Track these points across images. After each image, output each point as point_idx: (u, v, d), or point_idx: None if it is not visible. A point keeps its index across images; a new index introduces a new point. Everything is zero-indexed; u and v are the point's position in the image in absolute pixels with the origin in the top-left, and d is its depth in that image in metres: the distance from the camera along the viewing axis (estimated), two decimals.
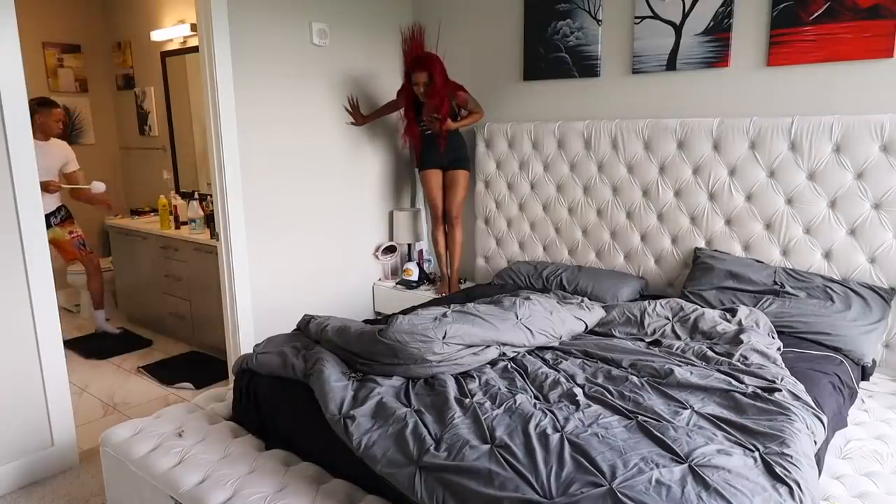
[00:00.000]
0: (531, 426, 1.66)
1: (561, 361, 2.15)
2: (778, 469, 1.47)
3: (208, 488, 1.75)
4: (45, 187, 3.70)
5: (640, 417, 1.71)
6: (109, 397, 3.36)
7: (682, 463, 1.49)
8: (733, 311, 2.46)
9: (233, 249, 3.14)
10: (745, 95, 2.84)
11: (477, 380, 1.98)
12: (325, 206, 3.60)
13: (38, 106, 3.79)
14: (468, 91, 3.39)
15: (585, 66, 3.27)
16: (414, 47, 3.81)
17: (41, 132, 3.76)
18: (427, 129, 3.44)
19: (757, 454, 1.54)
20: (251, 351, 2.24)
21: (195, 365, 3.76)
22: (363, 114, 3.61)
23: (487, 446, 1.60)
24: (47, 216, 3.81)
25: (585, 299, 2.73)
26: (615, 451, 1.54)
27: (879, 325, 2.43)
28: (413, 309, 2.50)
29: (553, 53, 3.37)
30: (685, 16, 2.92)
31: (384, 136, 3.88)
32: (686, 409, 1.76)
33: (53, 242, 3.88)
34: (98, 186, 3.92)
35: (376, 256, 3.96)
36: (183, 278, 3.97)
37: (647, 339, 2.38)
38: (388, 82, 3.84)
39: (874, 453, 1.90)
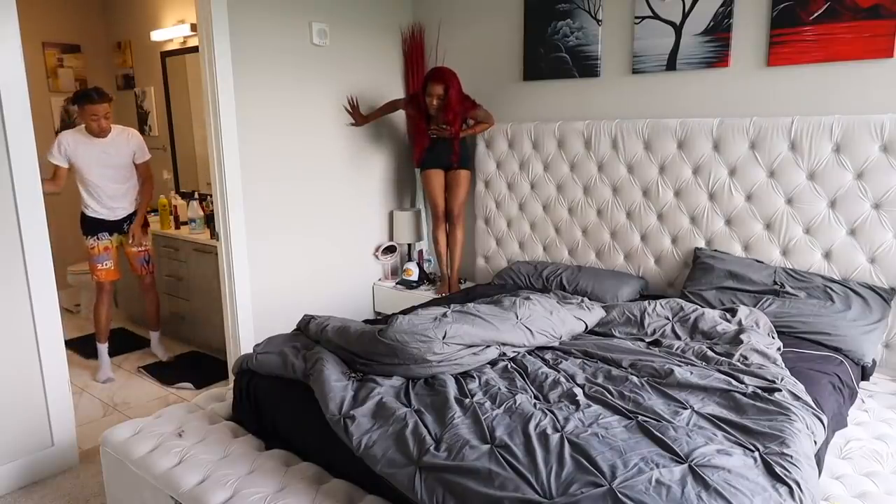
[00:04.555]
0: (531, 426, 1.66)
1: (561, 361, 2.15)
2: (778, 469, 1.47)
3: (208, 488, 1.75)
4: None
5: (640, 417, 1.71)
6: (109, 397, 3.36)
7: (682, 463, 1.49)
8: (733, 311, 2.46)
9: (233, 249, 3.14)
10: (745, 95, 2.84)
11: (477, 380, 1.98)
12: (325, 206, 3.60)
13: (73, 103, 3.43)
14: (480, 105, 3.42)
15: (585, 66, 3.27)
16: (414, 48, 3.82)
17: (88, 130, 3.43)
18: (434, 135, 3.44)
19: (757, 454, 1.54)
20: (251, 351, 2.24)
21: (195, 365, 3.76)
22: (363, 114, 3.61)
23: (487, 446, 1.60)
24: (120, 221, 3.58)
25: (585, 299, 2.73)
26: (615, 451, 1.54)
27: (879, 325, 2.43)
28: (413, 309, 2.50)
29: (553, 53, 3.37)
30: (685, 16, 2.92)
31: (384, 136, 3.88)
32: (686, 409, 1.77)
33: (125, 251, 3.65)
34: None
35: (376, 256, 3.96)
36: (183, 278, 3.96)
37: (647, 339, 2.38)
38: (388, 82, 3.84)
39: (874, 453, 1.90)
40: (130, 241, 3.58)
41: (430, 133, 3.43)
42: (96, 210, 3.51)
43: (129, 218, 3.61)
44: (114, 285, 3.68)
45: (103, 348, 3.66)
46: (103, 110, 3.36)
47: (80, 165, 3.40)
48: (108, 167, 3.47)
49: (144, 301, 3.84)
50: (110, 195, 3.51)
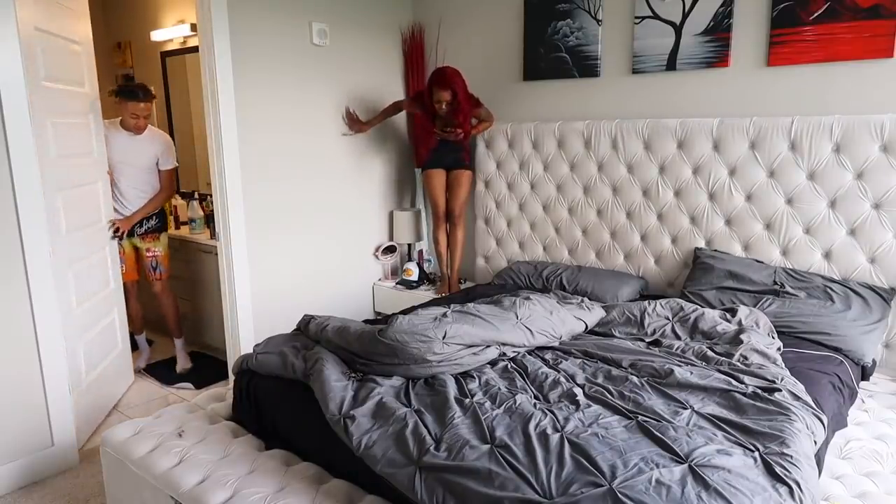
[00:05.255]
0: (531, 426, 1.66)
1: (561, 361, 2.15)
2: (778, 469, 1.47)
3: (208, 488, 1.75)
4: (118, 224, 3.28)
5: (640, 417, 1.71)
6: None
7: (682, 463, 1.49)
8: (733, 311, 2.46)
9: (233, 249, 3.14)
10: (745, 95, 2.84)
11: (477, 380, 1.98)
12: (325, 206, 3.60)
13: (116, 95, 3.28)
14: (482, 104, 3.42)
15: (585, 66, 3.27)
16: (414, 47, 3.81)
17: (123, 125, 3.32)
18: (440, 137, 3.43)
19: (757, 454, 1.54)
20: (251, 351, 2.24)
21: (195, 365, 3.75)
22: (363, 120, 3.59)
23: (487, 446, 1.60)
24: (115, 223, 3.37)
25: (585, 299, 2.73)
26: (615, 451, 1.54)
27: (879, 325, 2.43)
28: (413, 309, 2.50)
29: (553, 53, 3.37)
30: (685, 16, 2.92)
31: (385, 136, 3.88)
32: (686, 409, 1.76)
33: (131, 253, 3.52)
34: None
35: (376, 256, 3.96)
36: (183, 278, 3.96)
37: (647, 339, 2.38)
38: (388, 82, 3.84)
39: (874, 453, 1.90)
40: (110, 226, 3.24)
41: (438, 136, 3.41)
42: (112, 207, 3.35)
43: (142, 222, 3.48)
44: (136, 284, 3.62)
45: (141, 338, 3.78)
46: (145, 110, 3.29)
47: (107, 157, 3.29)
48: (128, 164, 3.36)
49: (159, 306, 3.68)
50: (126, 195, 3.39)
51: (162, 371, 3.66)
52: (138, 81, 3.39)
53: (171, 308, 3.68)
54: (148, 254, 3.55)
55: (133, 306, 3.66)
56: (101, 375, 3.04)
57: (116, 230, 3.28)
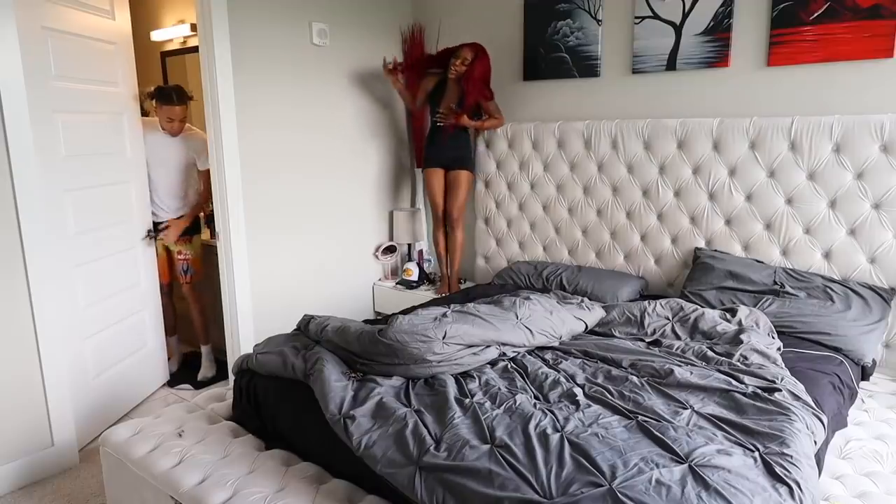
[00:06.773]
0: (531, 426, 1.66)
1: (561, 361, 2.15)
2: (778, 469, 1.47)
3: (208, 488, 1.75)
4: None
5: (640, 417, 1.71)
6: None
7: (682, 463, 1.49)
8: (733, 311, 2.46)
9: (233, 249, 3.14)
10: (745, 95, 2.84)
11: (477, 380, 1.98)
12: (325, 206, 3.59)
13: (151, 98, 3.22)
14: (493, 99, 3.41)
15: (585, 66, 3.27)
16: (414, 47, 3.81)
17: (160, 125, 3.28)
18: (439, 122, 3.42)
19: (757, 454, 1.54)
20: (251, 351, 2.24)
21: (195, 365, 3.75)
22: (402, 80, 3.53)
23: (487, 446, 1.60)
24: (163, 225, 3.39)
25: (585, 299, 2.73)
26: (615, 451, 1.54)
27: (879, 325, 2.43)
28: (413, 309, 2.50)
29: (553, 53, 3.37)
30: (685, 16, 2.92)
31: (384, 136, 3.88)
32: (686, 409, 1.77)
33: (163, 254, 3.47)
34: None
35: (376, 256, 3.96)
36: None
37: (647, 339, 2.38)
38: (388, 82, 3.83)
39: (874, 453, 1.90)
40: (162, 237, 3.34)
41: (437, 121, 3.41)
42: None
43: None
44: (169, 286, 3.55)
45: (171, 340, 3.68)
46: (181, 113, 3.25)
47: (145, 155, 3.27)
48: (160, 165, 3.31)
49: (186, 310, 3.62)
50: (160, 194, 3.35)
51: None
52: (174, 84, 3.36)
53: (198, 313, 3.58)
54: (179, 256, 3.46)
55: (167, 308, 3.57)
56: (117, 375, 3.03)
57: (154, 231, 3.28)
